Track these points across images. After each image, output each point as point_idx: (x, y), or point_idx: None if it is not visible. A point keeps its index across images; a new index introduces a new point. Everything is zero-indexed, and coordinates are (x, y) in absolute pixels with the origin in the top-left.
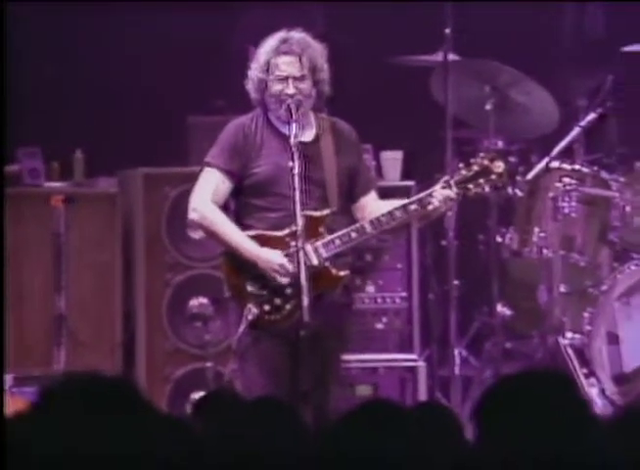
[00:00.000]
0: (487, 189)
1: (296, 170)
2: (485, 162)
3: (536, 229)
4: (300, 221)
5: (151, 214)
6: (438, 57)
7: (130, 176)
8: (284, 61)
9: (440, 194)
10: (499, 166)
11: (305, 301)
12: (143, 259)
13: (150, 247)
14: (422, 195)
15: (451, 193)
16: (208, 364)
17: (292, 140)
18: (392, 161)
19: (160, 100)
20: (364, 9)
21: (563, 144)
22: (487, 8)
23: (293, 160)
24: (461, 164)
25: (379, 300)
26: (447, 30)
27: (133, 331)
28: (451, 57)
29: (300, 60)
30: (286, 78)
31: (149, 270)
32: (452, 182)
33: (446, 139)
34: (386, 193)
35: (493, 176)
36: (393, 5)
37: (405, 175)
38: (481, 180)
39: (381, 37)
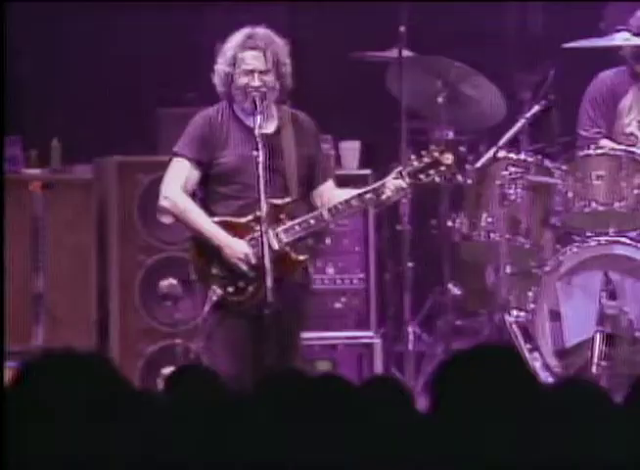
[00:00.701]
0: (437, 179)
1: (260, 160)
2: (435, 154)
3: (484, 214)
4: (264, 208)
5: (124, 200)
6: (393, 53)
7: (105, 164)
8: (249, 55)
9: (393, 184)
10: (448, 158)
11: (269, 282)
12: (117, 242)
13: (123, 230)
14: (376, 185)
15: (403, 183)
16: (178, 341)
17: (256, 131)
18: (351, 150)
19: (134, 92)
20: (325, 7)
21: (509, 135)
22: (439, 7)
23: (257, 150)
24: (412, 156)
25: (338, 281)
26: (402, 28)
27: (107, 309)
28: (405, 53)
29: (265, 54)
30: (251, 72)
31: (122, 252)
32: (404, 173)
33: (401, 130)
34: (344, 181)
35: (442, 167)
36: (352, 4)
37: (363, 164)
38: (431, 171)
39: (340, 34)
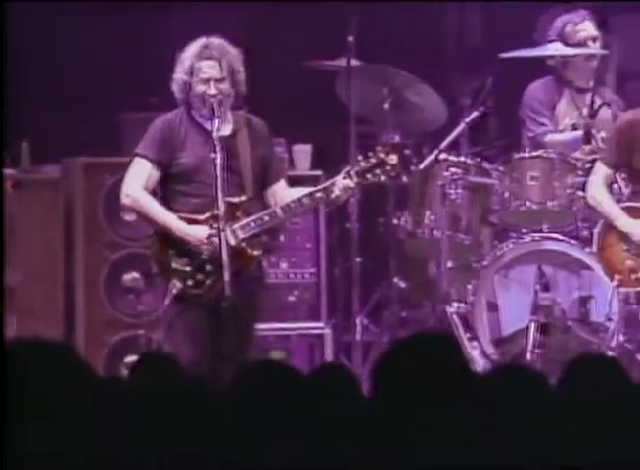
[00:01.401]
0: (383, 179)
1: (218, 161)
2: (381, 154)
3: (427, 213)
4: (222, 206)
5: (90, 199)
6: (342, 62)
7: (71, 164)
8: (206, 64)
9: (341, 183)
10: (393, 159)
11: (226, 276)
12: (83, 239)
13: (89, 227)
14: (326, 184)
15: (351, 183)
16: (140, 332)
17: (214, 134)
18: (303, 153)
19: (98, 97)
20: (279, 17)
21: (450, 138)
22: (387, 19)
23: (215, 151)
24: (360, 157)
25: (291, 275)
26: (350, 38)
27: (74, 302)
28: (353, 62)
29: (220, 63)
30: (208, 80)
31: (88, 248)
32: (352, 173)
33: (350, 134)
34: (297, 181)
35: (388, 167)
36: (304, 14)
37: (314, 166)
38: (378, 171)
39: (292, 43)
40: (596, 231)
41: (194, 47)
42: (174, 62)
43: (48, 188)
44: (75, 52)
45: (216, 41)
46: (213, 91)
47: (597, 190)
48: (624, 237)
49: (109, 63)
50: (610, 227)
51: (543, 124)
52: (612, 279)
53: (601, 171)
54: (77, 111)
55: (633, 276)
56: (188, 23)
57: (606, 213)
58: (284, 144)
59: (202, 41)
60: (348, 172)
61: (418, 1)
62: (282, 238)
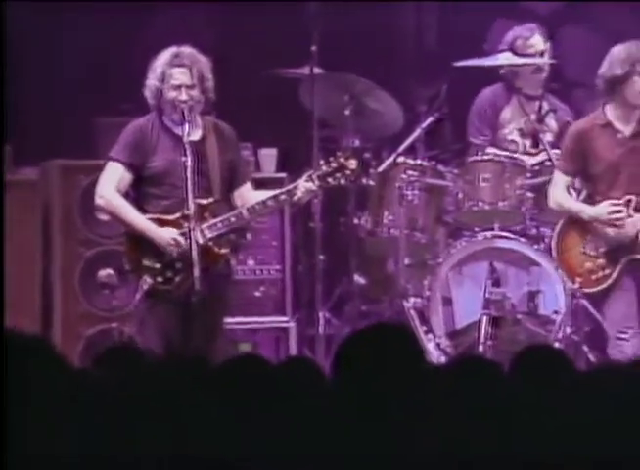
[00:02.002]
0: (343, 182)
1: (188, 164)
2: (341, 159)
3: (386, 213)
4: (191, 207)
5: (66, 199)
6: (306, 70)
7: (49, 167)
8: (177, 72)
9: (304, 186)
10: (352, 164)
11: (195, 273)
12: (59, 236)
13: (65, 226)
14: (289, 187)
15: (313, 186)
16: (114, 325)
17: (185, 139)
18: (268, 156)
19: (76, 102)
20: (247, 28)
21: (407, 142)
22: (348, 29)
23: (185, 155)
24: (322, 162)
25: (257, 272)
26: (313, 48)
27: (51, 297)
28: (316, 70)
29: (191, 71)
30: (179, 87)
31: (64, 246)
32: (314, 177)
33: (313, 138)
34: (263, 183)
35: (348, 172)
36: (270, 26)
37: (279, 168)
38: (338, 175)
39: (260, 52)
40: (554, 236)
41: (166, 55)
42: (147, 69)
43: (27, 189)
44: (53, 59)
45: (187, 50)
46: (184, 97)
47: (560, 197)
48: (581, 240)
49: (85, 70)
50: (566, 232)
51: (484, 134)
52: (573, 282)
53: (560, 180)
54: (53, 117)
55: (593, 277)
56: (161, 32)
57: (571, 210)
58: (250, 148)
59: (173, 50)
60: (311, 176)
61: (390, 1)
62: (249, 237)
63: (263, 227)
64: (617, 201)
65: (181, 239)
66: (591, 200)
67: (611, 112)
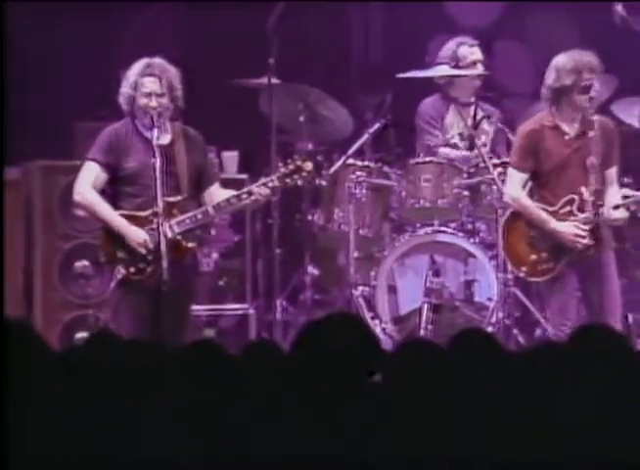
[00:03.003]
0: (300, 183)
1: (157, 166)
2: (298, 162)
3: (337, 210)
4: (160, 204)
5: (46, 196)
6: (264, 81)
7: (31, 167)
8: (148, 80)
9: (263, 187)
10: (308, 166)
11: (164, 264)
12: (40, 231)
13: (45, 221)
14: (250, 187)
15: (271, 185)
16: (89, 312)
17: (154, 142)
18: (231, 158)
19: (56, 108)
20: (211, 42)
21: (356, 146)
22: (303, 44)
23: (155, 157)
24: (280, 164)
25: (220, 264)
26: (271, 60)
27: (32, 285)
28: (274, 81)
29: (161, 80)
30: (149, 94)
31: (45, 239)
32: (273, 178)
33: (271, 142)
34: (226, 184)
35: (304, 173)
36: (233, 39)
37: (240, 170)
38: (295, 176)
39: (223, 64)
40: (501, 226)
41: (138, 65)
42: (121, 79)
43: (10, 187)
44: (38, 66)
45: (158, 61)
46: (154, 104)
47: (517, 193)
48: (528, 232)
49: (68, 78)
50: (514, 223)
51: (435, 135)
52: (519, 271)
53: (514, 176)
54: (35, 121)
55: (538, 267)
56: (133, 45)
57: (534, 217)
58: (214, 151)
59: (145, 60)
60: (270, 178)
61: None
62: (213, 232)
63: (226, 223)
64: (582, 226)
65: (149, 239)
66: (542, 200)
67: (557, 115)
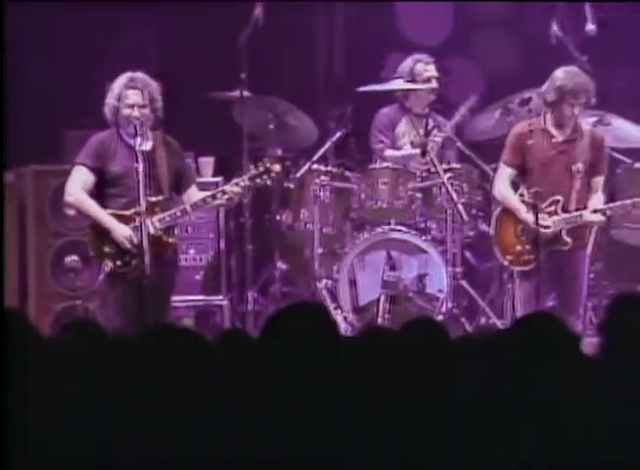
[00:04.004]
0: (269, 183)
1: (140, 169)
2: (267, 164)
3: (303, 210)
4: (143, 204)
5: (38, 198)
6: (237, 93)
7: (24, 171)
8: (131, 93)
9: (235, 187)
10: (276, 167)
11: (147, 259)
12: (33, 229)
13: (38, 220)
14: (224, 186)
15: (242, 185)
16: (78, 302)
17: (137, 148)
18: (207, 163)
19: (48, 117)
20: (190, 58)
21: (320, 153)
22: (271, 60)
23: (138, 162)
24: (251, 166)
25: (197, 259)
26: (243, 75)
27: (26, 279)
28: (246, 93)
29: (143, 93)
30: (132, 105)
31: (37, 237)
32: (245, 178)
33: (243, 149)
34: (202, 186)
35: (272, 174)
36: (209, 57)
37: (216, 173)
38: (265, 176)
39: (200, 79)
40: (492, 219)
41: (122, 79)
42: (106, 91)
43: (6, 190)
44: (32, 78)
45: (140, 75)
46: (137, 114)
47: (503, 186)
48: (515, 225)
49: (59, 90)
50: (503, 217)
51: (383, 142)
52: (504, 259)
53: (503, 170)
54: (29, 128)
55: (522, 258)
56: (118, 60)
57: (512, 206)
58: (192, 156)
59: (128, 74)
60: (242, 178)
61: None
62: (190, 230)
63: (202, 222)
64: (548, 218)
65: (134, 235)
66: (528, 194)
67: (549, 120)
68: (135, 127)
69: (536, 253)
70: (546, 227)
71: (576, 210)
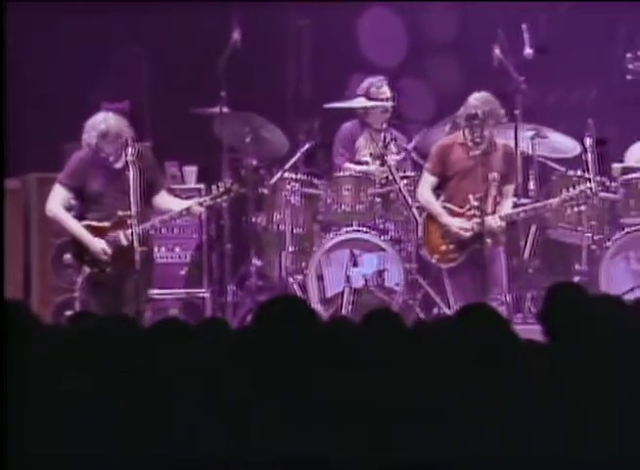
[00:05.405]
0: (225, 204)
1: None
2: (227, 185)
3: (276, 213)
4: (133, 210)
5: (41, 203)
6: (217, 109)
7: (28, 178)
8: (106, 144)
9: (196, 207)
10: (235, 188)
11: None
12: (36, 231)
13: (40, 223)
14: (189, 204)
15: (202, 207)
16: (76, 295)
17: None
18: (190, 172)
19: (48, 131)
20: (173, 79)
21: (291, 162)
22: (247, 80)
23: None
24: (213, 186)
25: (182, 256)
26: (222, 93)
27: (30, 274)
28: (225, 109)
29: (116, 142)
30: (108, 152)
31: (40, 237)
32: (207, 198)
33: (223, 159)
34: (186, 192)
35: (232, 193)
36: (191, 76)
37: (198, 181)
38: (225, 196)
39: (184, 96)
40: (420, 222)
41: (95, 131)
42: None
43: (11, 195)
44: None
45: (113, 127)
46: (111, 150)
47: (426, 192)
48: (439, 229)
49: (60, 102)
50: (429, 221)
51: (343, 155)
52: (432, 258)
53: (427, 179)
54: (32, 140)
55: (447, 256)
56: (110, 75)
57: (434, 210)
58: (177, 165)
59: (102, 128)
60: (204, 198)
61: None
62: (176, 231)
63: (186, 224)
64: (466, 222)
65: (107, 248)
66: (446, 197)
67: (467, 136)
68: (108, 156)
69: (459, 251)
70: (466, 230)
71: (493, 213)
